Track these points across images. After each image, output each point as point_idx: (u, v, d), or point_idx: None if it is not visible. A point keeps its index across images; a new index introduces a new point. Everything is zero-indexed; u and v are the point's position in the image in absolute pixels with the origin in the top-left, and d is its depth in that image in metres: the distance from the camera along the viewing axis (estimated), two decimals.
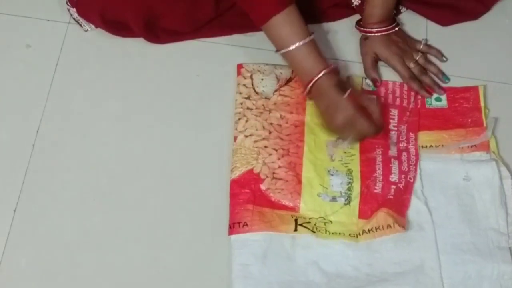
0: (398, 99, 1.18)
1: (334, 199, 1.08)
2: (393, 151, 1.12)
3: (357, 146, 1.11)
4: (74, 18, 1.21)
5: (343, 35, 1.24)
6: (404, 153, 1.12)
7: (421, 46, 1.21)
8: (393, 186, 1.09)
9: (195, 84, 1.18)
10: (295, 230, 1.05)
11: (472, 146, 1.13)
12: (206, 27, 1.21)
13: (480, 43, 1.25)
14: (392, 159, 1.11)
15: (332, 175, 1.09)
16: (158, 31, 1.19)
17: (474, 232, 1.06)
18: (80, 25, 1.21)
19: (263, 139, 1.12)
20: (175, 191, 1.10)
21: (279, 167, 1.10)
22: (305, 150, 1.11)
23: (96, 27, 1.20)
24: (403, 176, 1.10)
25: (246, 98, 1.15)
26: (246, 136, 1.12)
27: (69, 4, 1.20)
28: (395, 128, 1.15)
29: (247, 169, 1.09)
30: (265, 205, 1.07)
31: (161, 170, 1.11)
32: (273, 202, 1.07)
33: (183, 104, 1.16)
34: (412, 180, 1.09)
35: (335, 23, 1.25)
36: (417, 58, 1.19)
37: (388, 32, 1.18)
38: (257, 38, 1.22)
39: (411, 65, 1.18)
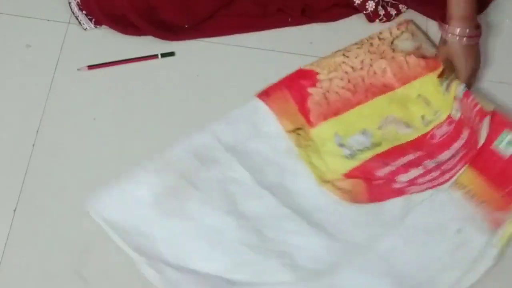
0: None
1: (342, 145, 1.10)
2: (430, 164, 1.10)
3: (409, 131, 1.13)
4: (74, 13, 1.21)
5: (343, 35, 1.23)
6: (436, 173, 1.08)
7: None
8: (393, 184, 1.09)
9: (194, 84, 1.18)
10: (293, 131, 1.10)
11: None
12: (206, 26, 1.21)
13: (480, 43, 1.24)
14: (420, 167, 1.10)
15: (363, 134, 1.11)
16: (158, 24, 1.19)
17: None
18: (80, 23, 1.21)
19: (351, 68, 1.16)
20: None
21: (342, 88, 1.14)
22: (379, 98, 1.14)
23: (98, 22, 1.20)
24: (408, 183, 1.08)
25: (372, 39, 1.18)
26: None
27: None
28: (453, 151, 1.10)
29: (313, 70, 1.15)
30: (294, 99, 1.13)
31: None
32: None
33: (183, 104, 1.16)
34: (409, 193, 1.07)
35: (335, 23, 1.25)
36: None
37: (473, 37, 1.10)
38: (257, 38, 1.22)
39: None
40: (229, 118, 1.13)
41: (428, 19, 1.26)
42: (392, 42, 1.18)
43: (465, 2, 1.09)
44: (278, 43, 1.22)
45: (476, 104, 1.08)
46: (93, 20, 1.20)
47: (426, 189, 1.07)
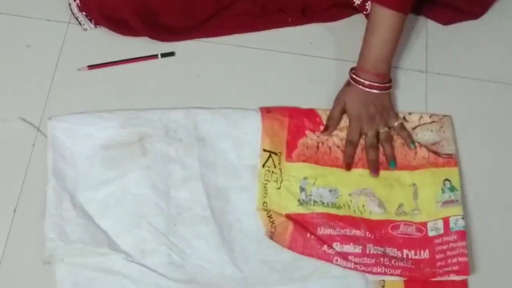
0: None
1: (302, 190, 1.08)
2: (371, 248, 1.05)
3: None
4: (73, 14, 1.20)
5: (343, 35, 1.24)
6: (371, 261, 1.04)
7: (395, 124, 1.14)
8: (324, 246, 1.04)
9: (194, 84, 1.18)
10: (267, 151, 1.09)
11: None
12: (206, 26, 1.22)
13: (480, 43, 1.25)
14: (360, 246, 1.05)
15: (330, 191, 1.09)
16: (158, 27, 1.20)
17: None
18: (80, 23, 1.21)
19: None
20: None
21: (337, 147, 1.13)
22: (367, 171, 1.11)
23: (97, 23, 1.20)
24: (339, 254, 1.03)
25: None
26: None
27: None
28: (402, 255, 1.06)
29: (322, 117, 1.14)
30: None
31: None
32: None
33: (183, 104, 1.16)
34: (333, 262, 1.03)
35: (335, 23, 1.25)
36: (381, 130, 1.13)
37: (375, 91, 1.10)
38: (257, 38, 1.22)
39: (369, 134, 1.12)
40: (218, 111, 1.13)
41: (428, 19, 1.26)
42: (414, 128, 1.14)
43: (379, 51, 1.09)
44: (278, 43, 1.22)
45: (463, 255, 1.03)
46: (93, 20, 1.20)
47: (351, 268, 1.03)
